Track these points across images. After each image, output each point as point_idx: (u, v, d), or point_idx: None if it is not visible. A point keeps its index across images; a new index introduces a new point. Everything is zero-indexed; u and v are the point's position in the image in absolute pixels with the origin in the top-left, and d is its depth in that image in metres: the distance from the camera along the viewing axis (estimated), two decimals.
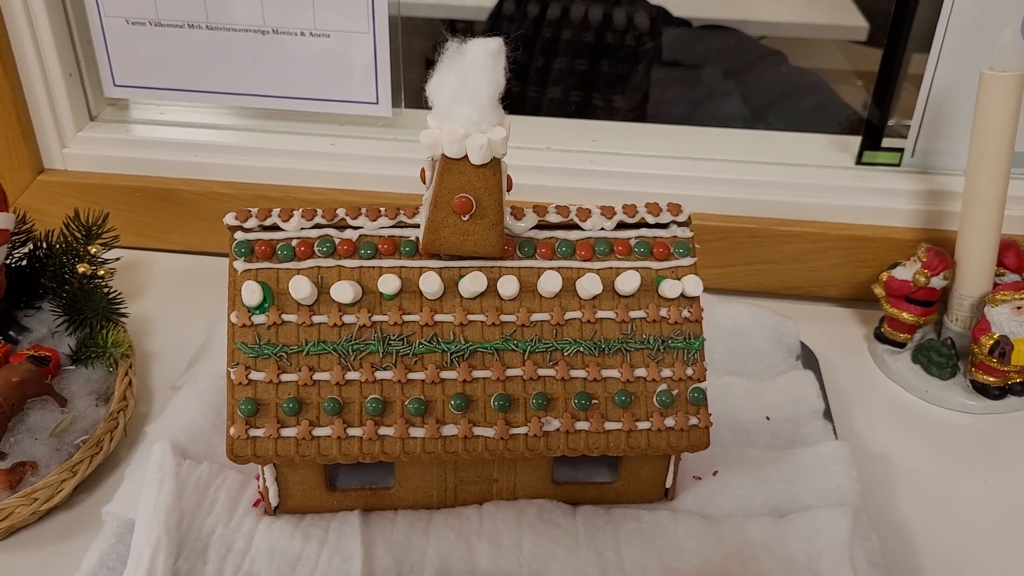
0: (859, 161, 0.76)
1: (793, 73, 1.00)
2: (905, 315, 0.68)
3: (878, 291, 0.70)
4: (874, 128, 0.75)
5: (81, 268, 0.64)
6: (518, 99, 0.99)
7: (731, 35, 1.03)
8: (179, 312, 0.73)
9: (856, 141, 0.77)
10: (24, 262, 0.68)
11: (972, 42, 0.69)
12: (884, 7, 0.73)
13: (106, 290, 0.65)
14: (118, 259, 0.69)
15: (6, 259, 0.65)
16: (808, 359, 0.68)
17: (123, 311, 0.65)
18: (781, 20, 1.23)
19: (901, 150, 0.75)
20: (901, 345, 0.69)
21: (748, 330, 0.69)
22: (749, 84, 1.00)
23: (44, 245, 0.67)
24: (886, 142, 0.75)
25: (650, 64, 1.02)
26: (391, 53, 0.74)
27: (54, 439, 0.58)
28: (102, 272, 0.66)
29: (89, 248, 0.66)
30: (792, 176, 0.75)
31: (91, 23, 0.75)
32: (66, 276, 0.66)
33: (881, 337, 0.70)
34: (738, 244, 0.75)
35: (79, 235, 0.66)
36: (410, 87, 0.77)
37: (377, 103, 0.76)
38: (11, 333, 0.65)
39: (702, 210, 0.74)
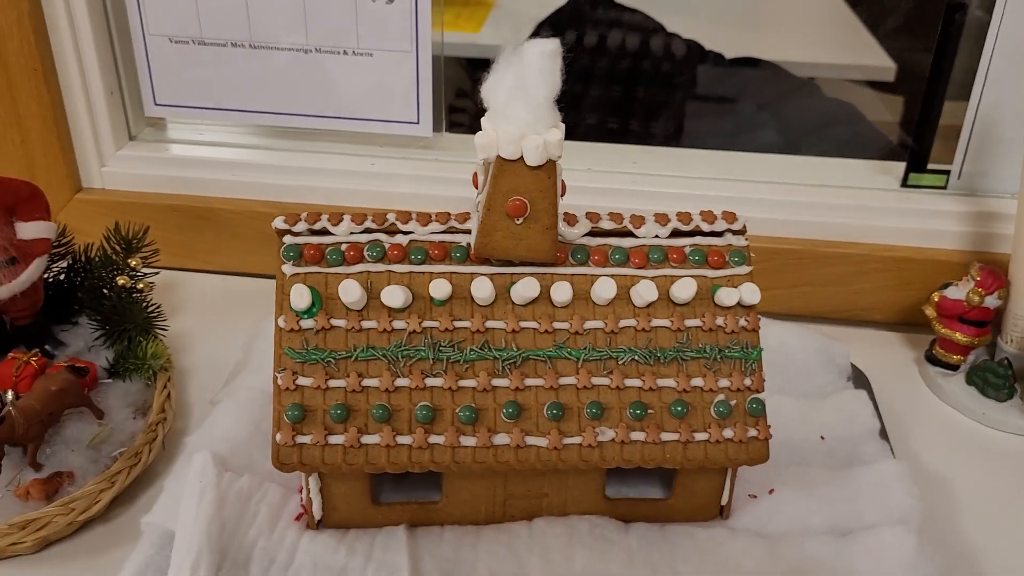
0: (904, 183, 0.75)
1: (827, 103, 1.00)
2: (959, 335, 0.66)
3: (929, 312, 0.68)
4: (918, 153, 0.74)
5: (121, 280, 0.64)
6: None
7: (764, 66, 1.03)
8: (216, 330, 0.72)
9: (899, 167, 0.76)
10: (62, 276, 0.67)
11: (1020, 60, 0.68)
12: (911, 56, 0.72)
13: (145, 304, 0.64)
14: (157, 273, 0.68)
15: (45, 272, 0.64)
16: (859, 380, 0.66)
17: (163, 324, 0.64)
18: (807, 60, 1.23)
19: (948, 172, 0.74)
20: (954, 367, 0.68)
21: (795, 351, 0.67)
22: (783, 115, 0.99)
23: (83, 259, 0.66)
24: (931, 165, 0.75)
25: (685, 96, 1.02)
26: (433, 77, 0.74)
27: (91, 451, 0.56)
28: (141, 285, 0.65)
29: (129, 261, 0.65)
30: (837, 198, 0.74)
31: (134, 41, 0.75)
32: (104, 290, 0.65)
33: (932, 360, 0.69)
34: (782, 266, 0.74)
35: (119, 248, 0.66)
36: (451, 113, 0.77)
37: (418, 123, 0.75)
38: (47, 347, 0.64)
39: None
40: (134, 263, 0.65)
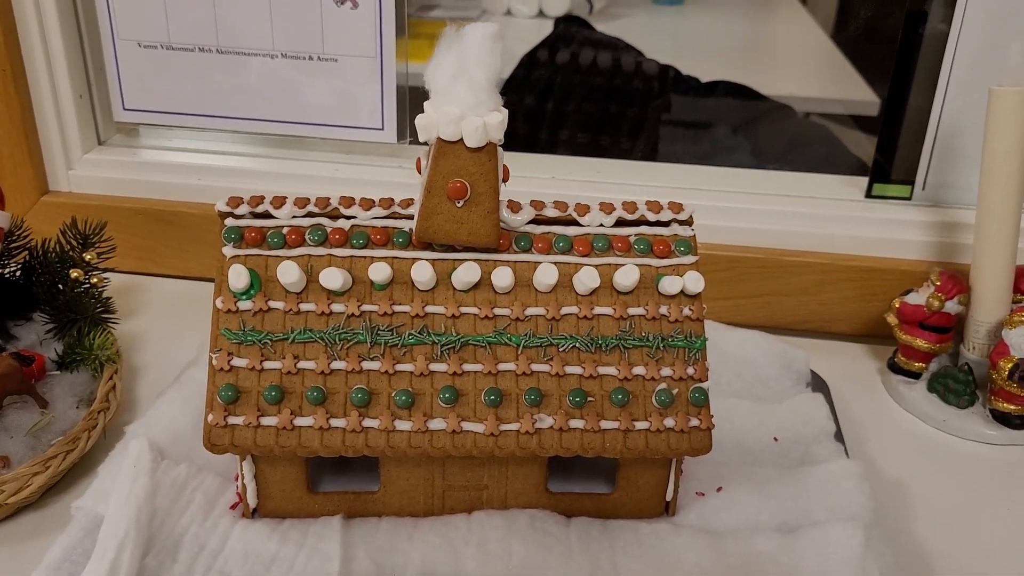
0: (869, 194, 0.75)
1: (801, 125, 1.00)
2: (919, 342, 0.65)
3: (891, 319, 0.67)
4: (881, 163, 0.74)
5: (74, 273, 0.63)
6: (528, 142, 0.99)
7: (739, 89, 1.04)
8: (173, 331, 0.71)
9: (865, 181, 0.76)
10: (18, 272, 0.67)
11: (980, 72, 0.68)
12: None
13: (97, 297, 0.64)
14: (111, 270, 0.67)
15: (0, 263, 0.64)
16: (818, 386, 0.65)
17: (114, 317, 0.64)
18: (791, 94, 1.24)
19: (912, 183, 0.74)
20: (916, 375, 0.67)
21: (755, 357, 0.67)
22: (758, 137, 0.99)
23: (40, 253, 0.66)
24: (896, 176, 0.74)
25: (659, 119, 1.02)
26: (397, 85, 0.75)
27: (30, 438, 0.55)
28: (95, 279, 0.65)
29: (84, 255, 0.65)
30: (801, 207, 0.74)
31: (104, 45, 0.76)
32: (59, 285, 0.65)
33: (895, 367, 0.68)
34: (746, 275, 0.73)
35: (75, 242, 0.65)
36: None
37: (382, 129, 0.76)
38: None
39: (708, 240, 0.72)
40: (89, 257, 0.65)
